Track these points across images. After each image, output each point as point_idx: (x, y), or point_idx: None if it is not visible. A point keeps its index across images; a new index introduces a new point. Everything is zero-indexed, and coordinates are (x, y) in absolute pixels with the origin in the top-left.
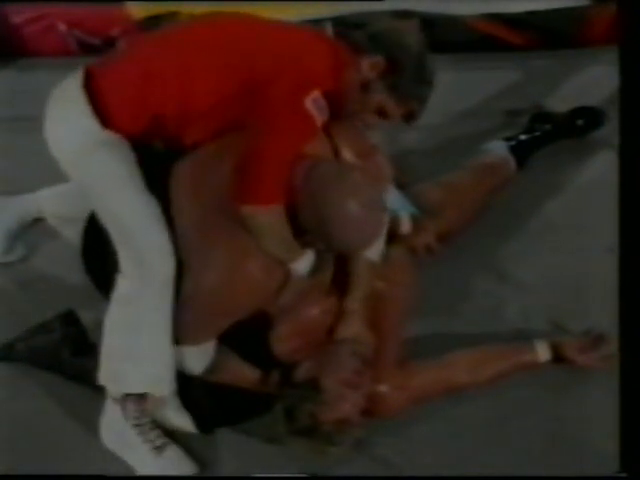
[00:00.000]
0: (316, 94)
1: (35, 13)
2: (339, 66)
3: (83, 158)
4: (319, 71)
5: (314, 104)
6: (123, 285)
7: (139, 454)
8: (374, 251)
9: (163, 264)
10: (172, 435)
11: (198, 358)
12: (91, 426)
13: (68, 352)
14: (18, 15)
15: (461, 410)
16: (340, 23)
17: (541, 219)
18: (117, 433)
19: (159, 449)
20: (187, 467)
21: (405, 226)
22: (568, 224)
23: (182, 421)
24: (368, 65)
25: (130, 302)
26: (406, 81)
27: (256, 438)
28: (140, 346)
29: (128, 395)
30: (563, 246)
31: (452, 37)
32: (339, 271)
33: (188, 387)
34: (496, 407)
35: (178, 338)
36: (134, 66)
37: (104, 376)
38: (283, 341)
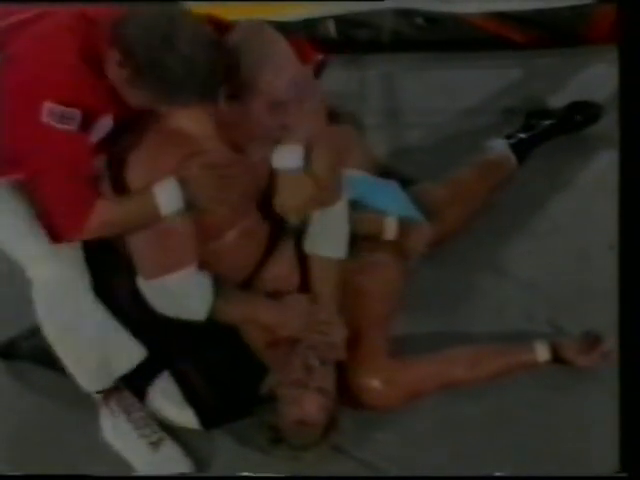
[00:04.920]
0: (49, 106)
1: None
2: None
3: None
4: (50, 81)
5: (51, 116)
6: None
7: (135, 449)
8: (337, 248)
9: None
10: (170, 432)
11: (194, 289)
12: (93, 423)
13: None
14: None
15: (462, 409)
16: (343, 22)
17: (544, 218)
18: (113, 428)
19: (155, 444)
20: (183, 463)
21: (390, 232)
22: (571, 223)
23: (185, 417)
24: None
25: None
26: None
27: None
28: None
29: (107, 392)
30: (566, 245)
31: (455, 35)
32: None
33: (191, 382)
34: (496, 407)
35: (156, 270)
36: None
37: (86, 381)
38: (256, 341)
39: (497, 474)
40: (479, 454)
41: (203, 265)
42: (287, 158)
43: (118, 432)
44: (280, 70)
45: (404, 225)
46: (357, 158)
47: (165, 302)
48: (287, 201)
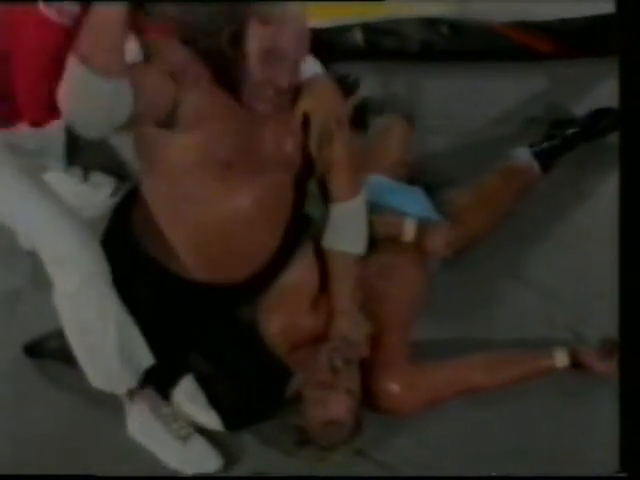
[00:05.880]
0: None
1: None
2: None
3: None
4: None
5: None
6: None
7: (164, 444)
8: (356, 243)
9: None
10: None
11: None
12: (120, 421)
13: None
14: None
15: (466, 412)
16: (370, 30)
17: (566, 226)
18: (142, 424)
19: (184, 439)
20: (212, 458)
21: (409, 233)
22: (593, 231)
23: (209, 418)
24: None
25: (71, 311)
26: None
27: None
28: (105, 348)
29: (133, 390)
30: (587, 253)
31: (480, 44)
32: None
33: (214, 385)
34: (499, 408)
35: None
36: None
37: (98, 382)
38: (279, 345)
39: (495, 473)
40: (480, 453)
41: (216, 234)
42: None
43: (146, 429)
44: (285, 22)
45: (423, 226)
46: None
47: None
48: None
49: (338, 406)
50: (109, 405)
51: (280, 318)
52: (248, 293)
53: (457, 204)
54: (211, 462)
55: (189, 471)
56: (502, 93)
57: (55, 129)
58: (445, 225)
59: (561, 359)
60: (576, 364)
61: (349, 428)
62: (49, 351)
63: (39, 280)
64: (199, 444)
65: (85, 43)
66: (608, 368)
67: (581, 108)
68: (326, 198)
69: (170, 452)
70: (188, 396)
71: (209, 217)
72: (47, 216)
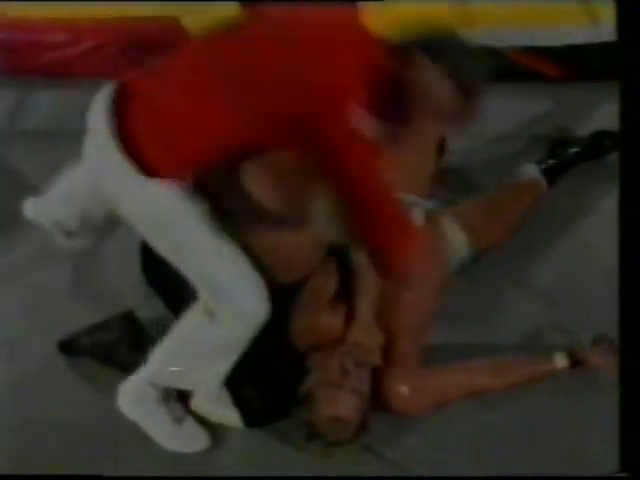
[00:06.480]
0: (352, 109)
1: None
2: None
3: (140, 214)
4: (347, 84)
5: (358, 120)
6: (199, 314)
7: (160, 425)
8: None
9: (256, 310)
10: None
11: None
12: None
13: (126, 348)
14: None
15: (471, 412)
16: None
17: (571, 238)
18: (139, 403)
19: (179, 420)
20: (201, 437)
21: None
22: (596, 242)
23: (229, 416)
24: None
25: (204, 331)
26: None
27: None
28: (203, 367)
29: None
30: (591, 263)
31: (490, 67)
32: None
33: (239, 385)
34: (503, 409)
35: None
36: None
37: (176, 379)
38: (299, 346)
39: (496, 473)
40: (480, 453)
41: (278, 255)
42: None
43: (144, 406)
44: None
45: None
46: None
47: None
48: None
49: (345, 405)
50: None
51: (300, 319)
52: (290, 294)
53: (467, 217)
54: (200, 442)
55: (179, 449)
56: (510, 113)
57: None
58: (449, 216)
59: (560, 361)
60: (575, 363)
61: (355, 426)
62: (83, 348)
63: (73, 279)
64: (191, 425)
65: None
66: (603, 360)
67: (585, 128)
68: None
69: (164, 432)
70: (210, 395)
71: (274, 242)
72: (225, 263)
